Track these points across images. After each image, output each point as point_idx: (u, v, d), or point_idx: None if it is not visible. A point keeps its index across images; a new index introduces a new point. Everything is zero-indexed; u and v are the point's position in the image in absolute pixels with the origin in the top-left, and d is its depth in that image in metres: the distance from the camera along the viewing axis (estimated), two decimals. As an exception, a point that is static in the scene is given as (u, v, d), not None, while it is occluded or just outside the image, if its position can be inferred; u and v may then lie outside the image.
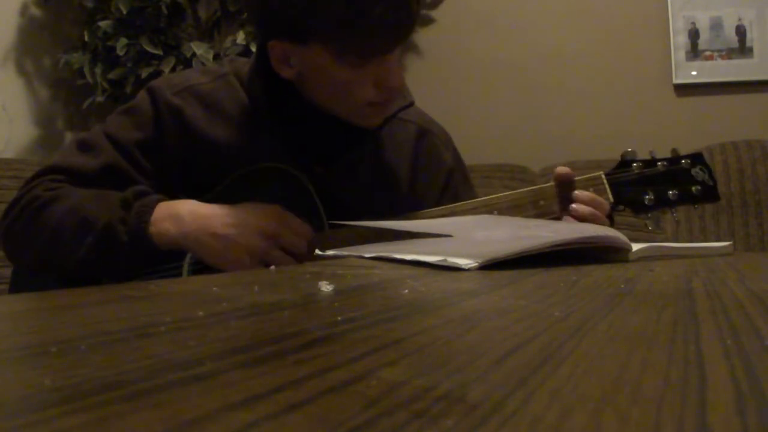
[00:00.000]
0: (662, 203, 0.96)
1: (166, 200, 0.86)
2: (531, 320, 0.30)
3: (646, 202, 0.96)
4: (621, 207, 0.97)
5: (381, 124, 0.97)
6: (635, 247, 0.68)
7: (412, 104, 1.02)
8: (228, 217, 0.85)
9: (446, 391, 0.18)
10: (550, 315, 0.31)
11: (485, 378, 0.19)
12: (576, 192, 0.95)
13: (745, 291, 0.40)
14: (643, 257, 0.69)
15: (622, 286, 0.43)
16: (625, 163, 0.98)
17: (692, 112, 2.35)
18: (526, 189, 0.98)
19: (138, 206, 0.85)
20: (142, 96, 0.96)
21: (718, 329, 0.27)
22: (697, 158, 0.97)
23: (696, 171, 0.96)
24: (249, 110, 0.95)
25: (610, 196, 0.96)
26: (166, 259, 0.90)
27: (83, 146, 0.94)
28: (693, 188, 0.96)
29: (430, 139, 1.07)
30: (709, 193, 0.96)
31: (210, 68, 1.03)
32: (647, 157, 0.98)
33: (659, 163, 0.97)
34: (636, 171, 0.97)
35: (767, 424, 0.15)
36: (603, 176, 0.97)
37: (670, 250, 0.74)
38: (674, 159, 0.97)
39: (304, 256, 0.85)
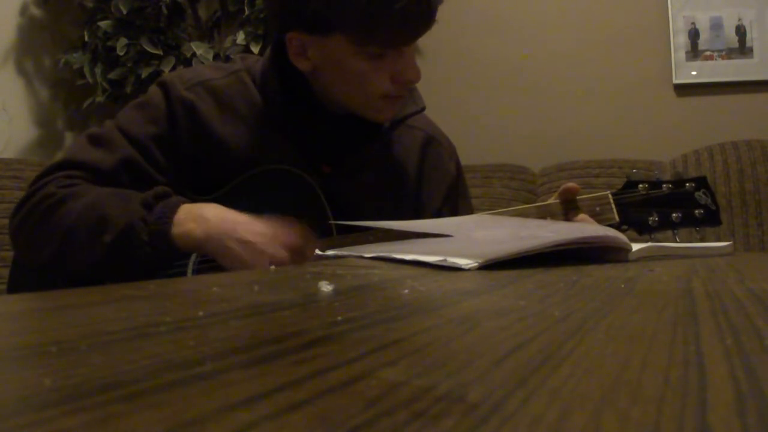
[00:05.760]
0: (666, 225, 0.98)
1: (188, 202, 0.85)
2: (531, 320, 0.30)
3: (650, 224, 0.98)
4: (626, 227, 0.99)
5: (390, 124, 0.97)
6: (635, 247, 0.68)
7: (423, 110, 1.02)
8: (255, 225, 0.84)
9: (446, 391, 0.17)
10: (550, 315, 0.31)
11: (485, 378, 0.19)
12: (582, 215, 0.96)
13: (745, 291, 0.40)
14: (643, 257, 0.69)
15: (622, 286, 0.43)
16: (631, 184, 1.00)
17: (692, 112, 2.35)
18: (532, 205, 1.00)
19: (160, 207, 0.83)
20: (154, 90, 0.95)
21: (718, 329, 0.27)
22: (701, 182, 0.99)
23: (699, 195, 0.98)
24: (260, 107, 0.95)
25: (616, 216, 0.97)
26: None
27: (96, 141, 0.92)
28: (696, 212, 0.97)
29: (436, 148, 1.07)
30: (712, 218, 0.98)
31: (222, 64, 1.02)
32: (652, 177, 1.01)
33: (664, 186, 0.99)
34: (642, 192, 0.99)
35: (767, 424, 0.15)
36: (610, 196, 0.99)
37: (670, 250, 0.74)
38: (679, 182, 0.99)
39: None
